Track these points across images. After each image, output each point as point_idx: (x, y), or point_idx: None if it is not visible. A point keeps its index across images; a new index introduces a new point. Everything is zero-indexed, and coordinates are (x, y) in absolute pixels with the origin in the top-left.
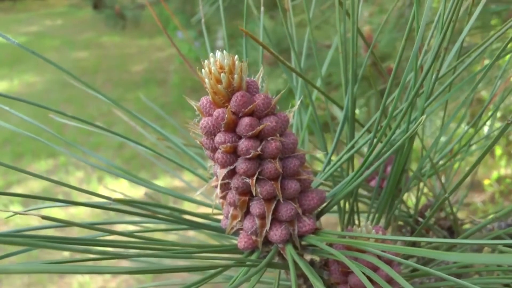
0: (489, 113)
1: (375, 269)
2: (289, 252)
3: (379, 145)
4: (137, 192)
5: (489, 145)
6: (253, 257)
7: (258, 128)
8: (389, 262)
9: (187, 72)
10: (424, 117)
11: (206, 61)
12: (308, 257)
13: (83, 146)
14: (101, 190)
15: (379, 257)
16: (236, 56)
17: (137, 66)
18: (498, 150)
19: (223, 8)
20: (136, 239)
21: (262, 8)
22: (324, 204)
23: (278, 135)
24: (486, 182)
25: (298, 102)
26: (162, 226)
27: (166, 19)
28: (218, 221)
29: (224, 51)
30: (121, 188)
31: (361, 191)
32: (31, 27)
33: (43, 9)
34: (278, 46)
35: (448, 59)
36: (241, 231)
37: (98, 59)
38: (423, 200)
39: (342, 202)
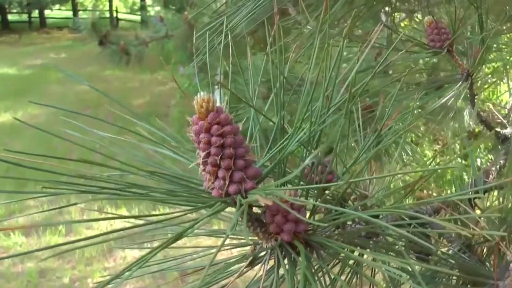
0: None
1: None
2: (239, 198)
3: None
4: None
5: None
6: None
7: (221, 130)
8: (298, 208)
9: (187, 106)
10: (308, 124)
11: (196, 96)
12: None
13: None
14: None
15: (292, 205)
16: (211, 94)
17: (139, 99)
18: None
19: (222, 45)
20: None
21: (248, 52)
22: (261, 177)
23: (232, 135)
24: None
25: (245, 120)
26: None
27: (167, 55)
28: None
29: (204, 92)
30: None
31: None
32: (36, 60)
33: (48, 43)
34: (269, 82)
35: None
36: (213, 189)
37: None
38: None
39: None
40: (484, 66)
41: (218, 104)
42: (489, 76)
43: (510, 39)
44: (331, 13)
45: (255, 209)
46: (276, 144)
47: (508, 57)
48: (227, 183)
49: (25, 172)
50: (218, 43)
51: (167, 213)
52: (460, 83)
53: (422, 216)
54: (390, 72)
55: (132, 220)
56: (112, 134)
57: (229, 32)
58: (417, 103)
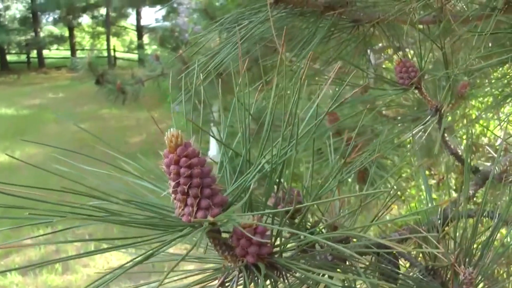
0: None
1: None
2: (205, 222)
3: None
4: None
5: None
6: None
7: (188, 162)
8: (261, 233)
9: None
10: (271, 155)
11: (166, 132)
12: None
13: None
14: (98, 258)
15: (255, 229)
16: (180, 131)
17: (136, 138)
18: None
19: (215, 85)
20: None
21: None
22: (228, 204)
23: (199, 166)
24: None
25: (215, 153)
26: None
27: (163, 93)
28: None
29: (174, 128)
30: (117, 255)
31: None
32: (34, 100)
33: (46, 83)
34: (259, 118)
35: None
36: (183, 215)
37: (98, 131)
38: None
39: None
40: (452, 101)
41: (213, 143)
42: (481, 111)
43: (502, 74)
44: (307, 50)
45: (224, 235)
46: (242, 174)
47: (497, 92)
48: (195, 209)
49: (21, 212)
50: (198, 85)
51: (143, 236)
52: (429, 117)
53: (371, 238)
54: (383, 109)
55: (128, 257)
56: (109, 170)
57: (202, 78)
58: (386, 136)
